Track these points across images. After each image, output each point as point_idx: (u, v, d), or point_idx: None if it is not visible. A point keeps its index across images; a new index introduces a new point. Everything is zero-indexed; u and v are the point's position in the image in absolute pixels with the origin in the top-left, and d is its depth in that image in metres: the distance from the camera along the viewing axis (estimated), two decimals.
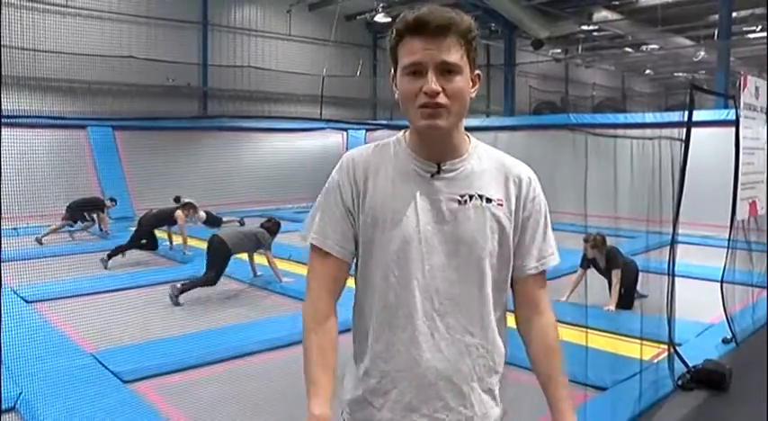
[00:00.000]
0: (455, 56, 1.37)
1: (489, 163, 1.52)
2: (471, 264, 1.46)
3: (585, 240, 6.72)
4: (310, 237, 1.55)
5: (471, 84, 1.44)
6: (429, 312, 1.45)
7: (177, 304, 6.88)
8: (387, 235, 1.47)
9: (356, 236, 1.52)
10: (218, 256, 7.19)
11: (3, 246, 2.45)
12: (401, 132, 1.56)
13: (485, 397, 1.51)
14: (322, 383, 1.48)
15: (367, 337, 1.53)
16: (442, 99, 1.37)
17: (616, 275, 6.57)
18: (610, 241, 6.83)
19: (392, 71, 1.46)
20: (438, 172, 1.47)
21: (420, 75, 1.37)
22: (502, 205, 1.48)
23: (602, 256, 6.63)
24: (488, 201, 1.47)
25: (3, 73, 2.73)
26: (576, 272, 6.89)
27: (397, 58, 1.42)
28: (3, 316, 2.27)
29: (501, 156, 1.56)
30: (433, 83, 1.36)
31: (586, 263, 6.75)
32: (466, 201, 1.46)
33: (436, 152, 1.47)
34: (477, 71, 1.46)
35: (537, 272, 1.54)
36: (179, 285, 6.99)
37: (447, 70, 1.37)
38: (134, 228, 9.51)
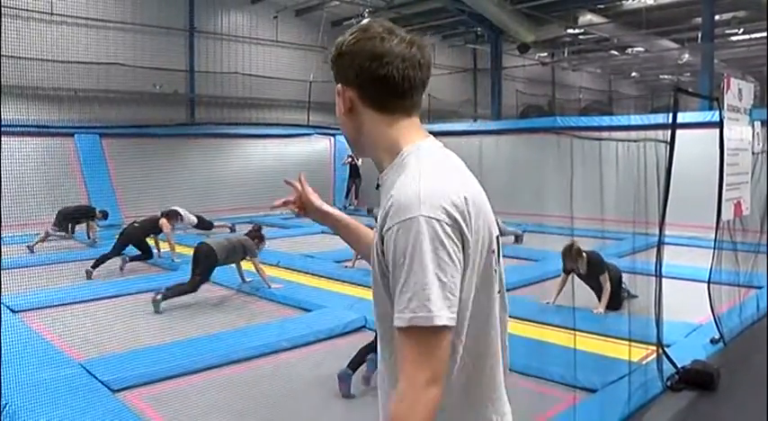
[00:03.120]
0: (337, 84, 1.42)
1: (391, 180, 1.32)
2: (378, 306, 1.35)
3: (562, 253, 6.73)
4: None
5: (342, 101, 1.40)
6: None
7: (158, 312, 6.80)
8: None
9: None
10: (205, 264, 7.16)
11: None
12: None
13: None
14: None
15: None
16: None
17: (605, 280, 6.59)
18: (596, 243, 6.86)
19: None
20: (378, 185, 1.48)
21: None
22: (376, 234, 1.30)
23: (582, 266, 6.64)
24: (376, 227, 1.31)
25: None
26: (560, 276, 6.92)
27: None
28: None
29: (403, 172, 1.30)
30: None
31: (567, 269, 6.77)
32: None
33: (376, 166, 1.44)
34: (338, 86, 1.40)
35: (395, 326, 1.20)
36: (160, 295, 6.91)
37: None
38: (117, 239, 9.42)
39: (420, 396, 1.16)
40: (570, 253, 6.63)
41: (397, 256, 1.19)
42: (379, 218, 1.28)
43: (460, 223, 1.22)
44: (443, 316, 1.16)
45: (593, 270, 6.64)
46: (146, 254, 9.40)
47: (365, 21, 1.41)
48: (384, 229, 1.23)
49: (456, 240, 1.20)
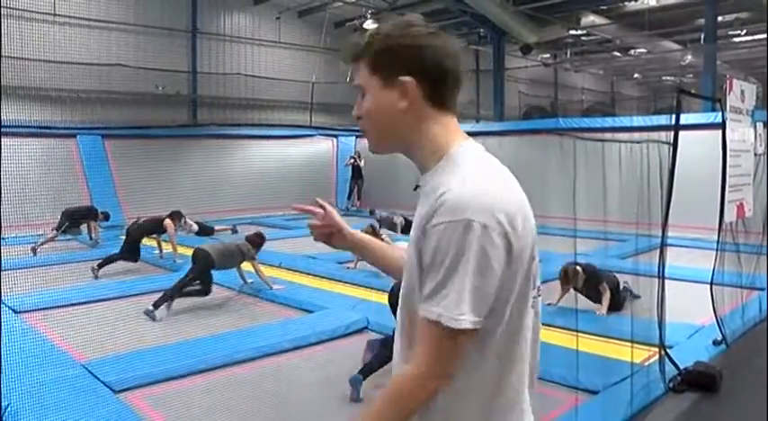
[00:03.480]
0: (360, 78, 1.39)
1: (439, 179, 1.30)
2: (407, 294, 1.35)
3: (562, 273, 6.70)
4: None
5: (399, 93, 1.32)
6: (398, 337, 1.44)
7: (156, 320, 6.75)
8: None
9: None
10: (202, 269, 7.15)
11: None
12: None
13: None
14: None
15: None
16: (360, 123, 1.42)
17: (604, 288, 6.60)
18: (599, 244, 6.85)
19: None
20: (417, 185, 1.42)
21: None
22: (417, 230, 1.30)
23: (579, 283, 6.64)
24: (417, 226, 1.31)
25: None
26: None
27: None
28: None
29: (454, 172, 1.29)
30: (354, 110, 1.43)
31: (563, 279, 6.76)
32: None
33: (416, 166, 1.41)
34: (401, 78, 1.32)
35: (421, 315, 1.24)
36: (150, 307, 6.79)
37: (362, 94, 1.40)
38: (123, 238, 9.45)
39: (425, 382, 1.24)
40: (567, 277, 6.63)
41: (440, 253, 1.21)
42: (422, 212, 1.29)
43: (509, 231, 1.22)
44: (470, 320, 1.20)
45: (591, 282, 6.64)
46: (134, 255, 9.22)
47: (408, 16, 1.37)
48: (430, 224, 1.23)
49: (502, 247, 1.21)
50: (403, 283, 1.38)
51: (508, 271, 1.24)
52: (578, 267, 6.64)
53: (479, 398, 1.32)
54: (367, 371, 4.57)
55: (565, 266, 6.68)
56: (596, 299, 6.71)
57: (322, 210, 1.70)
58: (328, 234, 1.70)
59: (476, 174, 1.28)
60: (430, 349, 1.23)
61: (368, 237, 1.79)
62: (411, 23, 1.36)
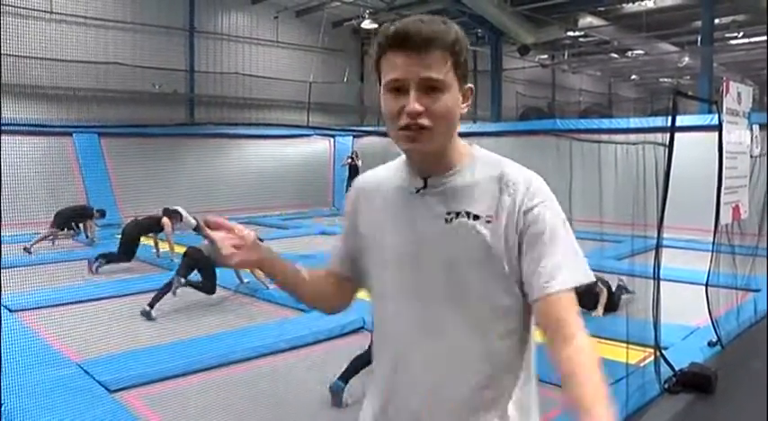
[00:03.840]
0: (440, 72, 1.26)
1: (485, 174, 1.36)
2: (453, 286, 1.34)
3: None
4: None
5: (462, 99, 1.33)
6: (415, 340, 1.38)
7: (151, 319, 6.72)
8: (374, 259, 1.44)
9: (359, 259, 1.51)
10: (205, 265, 7.14)
11: None
12: None
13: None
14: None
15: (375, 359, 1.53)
16: (424, 120, 1.26)
17: (601, 290, 6.61)
18: (595, 245, 6.86)
19: (378, 85, 1.35)
20: (425, 187, 1.37)
21: (403, 92, 1.27)
22: (491, 222, 1.31)
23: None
24: (476, 217, 1.32)
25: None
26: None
27: (380, 72, 1.32)
28: None
29: (502, 165, 1.38)
30: (414, 102, 1.25)
31: None
32: (452, 219, 1.33)
33: (425, 167, 1.37)
34: (468, 85, 1.34)
35: (545, 294, 1.28)
36: (147, 306, 6.74)
37: (431, 88, 1.26)
38: (119, 237, 9.42)
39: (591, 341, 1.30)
40: None
41: (554, 228, 1.31)
42: (486, 206, 1.33)
43: None
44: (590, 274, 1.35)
45: (587, 288, 6.63)
46: (129, 255, 9.16)
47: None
48: (526, 209, 1.32)
49: None
50: (472, 290, 1.34)
51: None
52: None
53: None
54: (351, 373, 4.46)
55: None
56: (591, 305, 6.69)
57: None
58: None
59: (514, 164, 1.41)
60: (577, 310, 1.30)
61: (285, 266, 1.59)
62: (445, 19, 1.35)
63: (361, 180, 1.55)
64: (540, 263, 1.29)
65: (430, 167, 1.37)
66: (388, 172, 1.49)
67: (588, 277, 1.33)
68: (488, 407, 1.35)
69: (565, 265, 1.29)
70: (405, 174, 1.42)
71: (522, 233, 1.31)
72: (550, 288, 1.27)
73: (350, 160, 17.25)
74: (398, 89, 1.28)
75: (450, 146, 1.37)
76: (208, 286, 7.19)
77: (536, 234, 1.30)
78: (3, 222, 3.76)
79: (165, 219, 9.54)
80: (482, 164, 1.38)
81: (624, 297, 6.74)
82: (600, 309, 6.55)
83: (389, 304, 1.42)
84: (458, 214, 1.33)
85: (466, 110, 1.36)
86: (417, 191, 1.38)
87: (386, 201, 1.43)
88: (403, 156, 1.45)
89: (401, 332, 1.40)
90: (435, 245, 1.34)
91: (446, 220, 1.34)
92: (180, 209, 10.60)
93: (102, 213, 11.67)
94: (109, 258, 8.83)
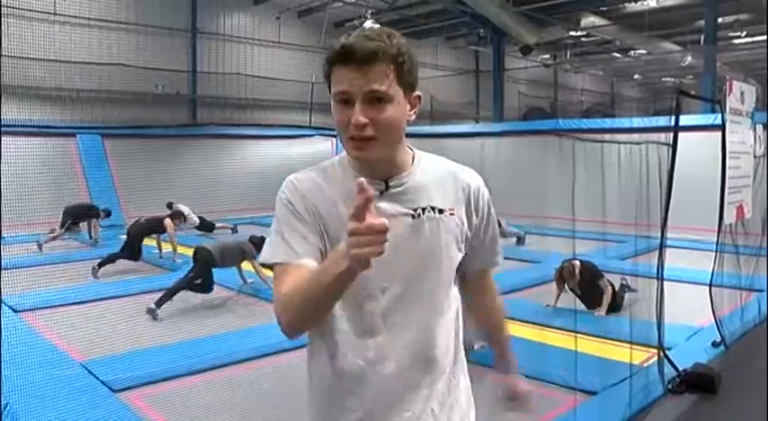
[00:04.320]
0: (383, 84, 1.32)
1: (435, 172, 1.51)
2: (430, 276, 1.48)
3: (560, 268, 6.71)
4: (279, 258, 1.43)
5: (410, 106, 1.41)
6: (386, 331, 1.44)
7: (156, 319, 6.72)
8: None
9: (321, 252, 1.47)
10: (203, 268, 7.15)
11: None
12: (343, 152, 1.51)
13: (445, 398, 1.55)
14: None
15: (329, 356, 1.50)
16: (369, 131, 1.33)
17: (606, 285, 6.60)
18: (598, 245, 6.85)
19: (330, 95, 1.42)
20: (386, 189, 1.44)
21: (349, 104, 1.34)
22: (453, 214, 1.49)
23: (575, 283, 6.64)
24: (440, 211, 1.47)
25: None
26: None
27: (330, 85, 1.39)
28: None
29: (446, 164, 1.56)
30: (359, 115, 1.32)
31: (559, 277, 6.76)
32: (419, 215, 1.45)
33: (380, 170, 1.44)
34: (416, 93, 1.42)
35: (492, 264, 1.69)
36: (153, 305, 6.75)
37: (376, 99, 1.33)
38: (124, 237, 9.44)
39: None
40: (562, 276, 6.64)
41: (493, 216, 1.60)
42: (445, 200, 1.49)
43: None
44: None
45: (588, 282, 6.62)
46: (136, 254, 9.20)
47: (368, 23, 1.39)
48: (481, 203, 1.56)
49: None
50: (436, 277, 1.50)
51: None
52: (576, 263, 6.63)
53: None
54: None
55: (562, 265, 6.68)
56: (592, 302, 6.68)
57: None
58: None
59: (451, 161, 1.60)
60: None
61: None
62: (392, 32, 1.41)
63: (303, 178, 1.53)
64: (488, 248, 1.62)
65: (385, 171, 1.45)
66: (328, 174, 1.52)
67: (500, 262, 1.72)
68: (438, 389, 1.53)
69: (497, 252, 1.68)
70: (357, 177, 1.37)
71: (477, 225, 1.56)
72: (496, 262, 1.68)
73: None
74: (346, 101, 1.35)
75: (400, 150, 1.47)
76: (206, 287, 7.19)
77: (486, 225, 1.58)
78: (5, 223, 3.77)
79: (168, 221, 9.57)
80: (426, 162, 1.53)
81: (627, 295, 6.72)
82: (603, 308, 6.54)
83: (367, 301, 1.44)
84: (423, 210, 1.46)
85: (414, 116, 1.44)
86: (381, 193, 1.43)
87: (347, 204, 1.36)
88: (338, 159, 1.54)
89: (379, 326, 1.45)
90: (408, 240, 1.43)
91: (413, 216, 1.45)
92: (183, 206, 10.64)
93: (108, 213, 11.71)
94: (110, 258, 8.82)
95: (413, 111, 1.43)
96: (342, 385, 1.47)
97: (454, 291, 1.57)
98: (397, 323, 1.46)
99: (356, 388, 1.46)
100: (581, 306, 6.58)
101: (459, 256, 1.53)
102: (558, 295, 6.75)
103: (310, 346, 1.56)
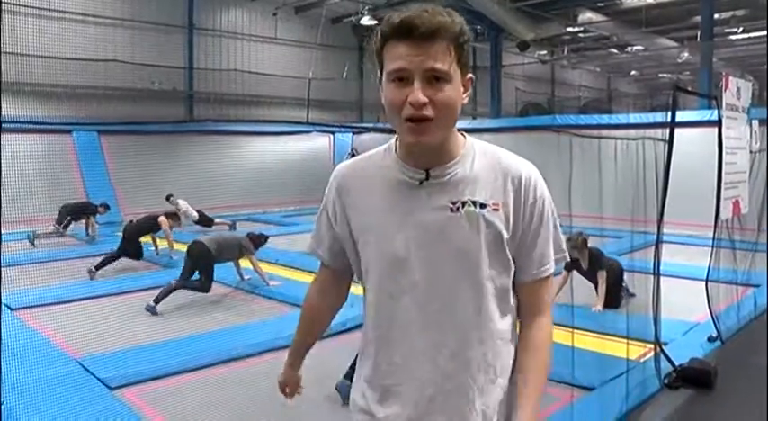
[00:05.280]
0: (444, 63, 1.26)
1: (485, 164, 1.40)
2: (466, 274, 1.38)
3: (568, 240, 6.74)
4: (312, 254, 1.65)
5: (463, 89, 1.34)
6: (425, 327, 1.40)
7: (156, 314, 6.74)
8: (377, 250, 1.43)
9: (352, 250, 1.51)
10: (204, 263, 7.13)
11: None
12: (393, 139, 1.46)
13: (485, 408, 1.44)
14: (293, 347, 1.88)
15: (369, 348, 1.52)
16: (428, 111, 1.27)
17: (601, 276, 6.59)
18: (595, 241, 6.85)
19: (379, 74, 1.35)
20: (427, 178, 1.38)
21: (406, 82, 1.27)
22: (498, 210, 1.37)
23: (584, 258, 6.65)
24: (482, 206, 1.36)
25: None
26: (560, 274, 6.90)
27: (382, 62, 1.32)
28: None
29: (499, 155, 1.44)
30: (419, 93, 1.25)
31: (570, 265, 6.77)
32: (458, 208, 1.36)
33: (425, 159, 1.38)
34: (469, 75, 1.35)
35: (537, 278, 1.46)
36: (152, 302, 6.77)
37: (435, 78, 1.27)
38: (120, 238, 9.41)
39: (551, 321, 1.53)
40: (575, 241, 6.60)
41: (547, 216, 1.45)
42: (491, 193, 1.39)
43: None
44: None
45: (592, 266, 6.64)
46: (136, 253, 9.20)
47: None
48: (532, 200, 1.42)
49: None
50: (488, 275, 1.41)
51: None
52: (587, 245, 6.62)
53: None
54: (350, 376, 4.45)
55: (570, 235, 6.65)
56: (592, 281, 6.69)
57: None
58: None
59: (511, 154, 1.48)
60: (549, 297, 1.50)
61: (300, 359, 1.99)
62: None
63: (343, 171, 1.53)
64: (535, 251, 1.44)
65: (432, 159, 1.38)
66: (373, 162, 1.49)
67: (564, 257, 1.52)
68: (483, 389, 1.45)
69: (549, 257, 1.47)
70: (400, 165, 1.41)
71: (526, 222, 1.41)
72: (538, 274, 1.46)
73: (351, 156, 17.16)
74: (402, 79, 1.28)
75: (451, 136, 1.39)
76: (206, 285, 7.16)
77: (536, 224, 1.43)
78: (1, 219, 3.75)
79: (163, 218, 9.55)
80: (480, 154, 1.42)
81: (625, 299, 6.71)
82: (599, 305, 6.53)
83: (401, 296, 1.42)
84: (463, 204, 1.36)
85: (467, 99, 1.37)
86: (420, 183, 1.38)
87: (384, 195, 1.42)
88: (387, 146, 1.47)
89: (410, 321, 1.42)
90: (443, 235, 1.37)
91: (451, 210, 1.36)
92: (181, 201, 10.62)
93: (107, 207, 11.68)
94: (107, 260, 8.77)
95: (466, 95, 1.36)
96: (381, 382, 1.50)
97: (507, 301, 1.45)
98: (419, 328, 1.41)
99: (392, 386, 1.48)
100: (578, 301, 6.56)
101: (505, 258, 1.41)
102: (559, 289, 6.71)
103: None
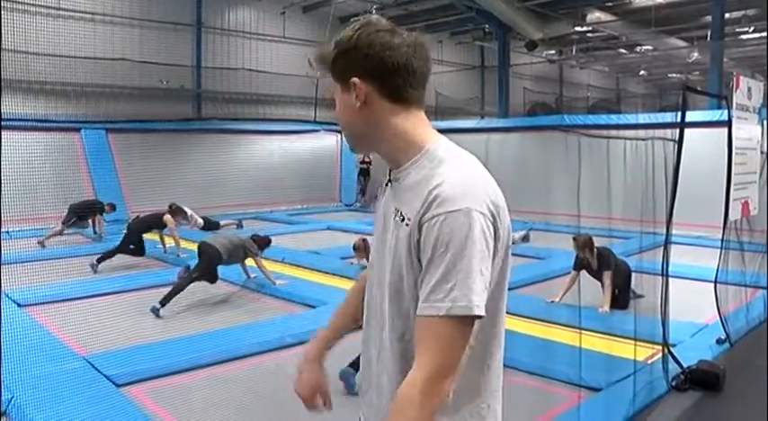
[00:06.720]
0: (330, 87, 1.44)
1: (423, 173, 1.32)
2: (392, 281, 1.36)
3: (574, 239, 6.75)
4: None
5: (354, 97, 1.36)
6: (369, 319, 1.52)
7: (159, 317, 6.73)
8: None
9: None
10: (208, 264, 7.16)
11: None
12: None
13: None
14: (325, 328, 1.90)
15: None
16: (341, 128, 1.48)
17: (608, 277, 6.57)
18: (603, 242, 6.82)
19: None
20: (389, 180, 1.44)
21: None
22: (408, 225, 1.29)
23: (592, 257, 6.63)
24: (402, 218, 1.32)
25: None
26: (569, 273, 6.89)
27: None
28: None
29: (438, 165, 1.32)
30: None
31: (579, 265, 6.75)
32: (395, 216, 1.35)
33: (387, 161, 1.44)
34: (352, 79, 1.36)
35: (419, 313, 1.24)
36: (158, 305, 6.72)
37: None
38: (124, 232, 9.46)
39: (441, 382, 1.21)
40: (576, 241, 6.62)
41: (439, 245, 1.21)
42: (410, 208, 1.30)
43: (497, 219, 1.27)
44: (481, 307, 1.21)
45: (602, 265, 6.61)
46: (138, 250, 9.23)
47: (366, 17, 1.40)
48: (426, 218, 1.24)
49: (491, 236, 1.25)
50: (390, 292, 1.37)
51: (494, 258, 1.28)
52: (595, 247, 6.63)
53: (462, 386, 1.34)
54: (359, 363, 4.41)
55: (586, 236, 6.67)
56: (601, 281, 6.68)
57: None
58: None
59: (463, 167, 1.31)
60: (440, 346, 1.20)
61: (331, 334, 1.93)
62: (368, 23, 1.39)
63: None
64: (423, 281, 1.24)
65: (389, 163, 1.44)
66: None
67: (468, 310, 1.19)
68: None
69: (447, 291, 1.20)
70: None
71: (422, 245, 1.25)
72: (422, 309, 1.23)
73: (367, 160, 17.02)
74: None
75: (391, 144, 1.40)
76: (212, 277, 7.22)
77: (431, 247, 1.23)
78: (10, 217, 3.77)
79: (168, 216, 9.58)
80: (428, 161, 1.34)
81: (632, 300, 6.69)
82: (606, 307, 6.50)
83: (370, 288, 1.52)
84: (397, 211, 1.36)
85: (362, 100, 1.36)
86: (387, 183, 1.46)
87: (385, 190, 1.51)
88: None
89: (368, 314, 1.53)
90: (387, 237, 1.41)
91: (393, 215, 1.38)
92: (186, 209, 10.64)
93: (113, 207, 11.73)
94: (110, 253, 8.82)
95: (358, 100, 1.37)
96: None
97: (405, 318, 1.35)
98: (367, 319, 1.53)
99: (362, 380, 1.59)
100: (586, 302, 6.55)
101: (410, 278, 1.31)
102: (567, 290, 6.69)
103: None
